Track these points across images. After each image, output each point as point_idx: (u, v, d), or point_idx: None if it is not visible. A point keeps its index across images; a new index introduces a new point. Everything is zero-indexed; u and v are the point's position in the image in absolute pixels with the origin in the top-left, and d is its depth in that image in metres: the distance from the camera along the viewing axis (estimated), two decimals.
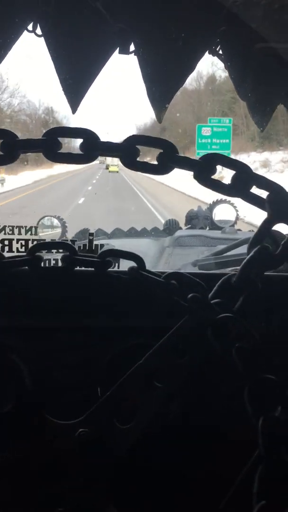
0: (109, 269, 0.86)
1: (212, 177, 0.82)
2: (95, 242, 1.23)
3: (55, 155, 0.80)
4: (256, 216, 0.95)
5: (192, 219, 3.40)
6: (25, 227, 1.23)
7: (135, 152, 0.81)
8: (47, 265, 1.04)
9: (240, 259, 0.95)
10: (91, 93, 1.19)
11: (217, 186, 0.82)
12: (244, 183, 0.82)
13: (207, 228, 3.29)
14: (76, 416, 0.80)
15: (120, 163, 0.83)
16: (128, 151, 0.81)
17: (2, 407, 0.83)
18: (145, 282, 0.83)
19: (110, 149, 0.82)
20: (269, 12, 1.13)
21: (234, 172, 0.83)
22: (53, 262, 1.09)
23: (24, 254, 0.85)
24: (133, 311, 0.92)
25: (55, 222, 2.81)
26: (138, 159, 0.82)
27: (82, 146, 0.80)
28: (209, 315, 0.78)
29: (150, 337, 0.84)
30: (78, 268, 0.87)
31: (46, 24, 1.14)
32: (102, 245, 1.21)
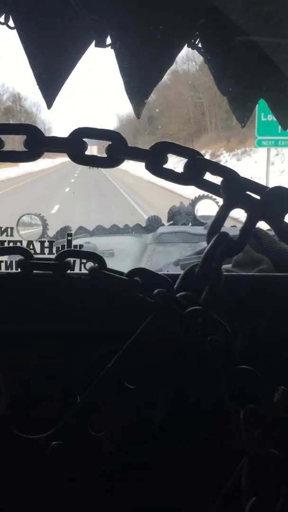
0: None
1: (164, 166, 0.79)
2: (75, 242, 1.19)
3: None
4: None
5: (175, 215, 3.38)
6: (1, 228, 1.19)
7: (82, 145, 0.77)
8: (9, 267, 1.00)
9: None
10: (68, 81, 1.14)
11: (169, 175, 0.79)
12: (197, 170, 0.79)
13: (190, 224, 3.28)
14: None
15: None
16: (74, 145, 0.77)
17: None
18: (108, 282, 0.79)
19: (55, 144, 0.77)
20: (249, 4, 1.10)
21: (185, 160, 0.80)
22: None
23: None
24: (108, 316, 0.88)
25: (36, 220, 2.75)
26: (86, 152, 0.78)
27: (25, 142, 0.76)
28: (176, 309, 0.75)
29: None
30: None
31: (19, 16, 1.09)
32: (81, 246, 1.17)
